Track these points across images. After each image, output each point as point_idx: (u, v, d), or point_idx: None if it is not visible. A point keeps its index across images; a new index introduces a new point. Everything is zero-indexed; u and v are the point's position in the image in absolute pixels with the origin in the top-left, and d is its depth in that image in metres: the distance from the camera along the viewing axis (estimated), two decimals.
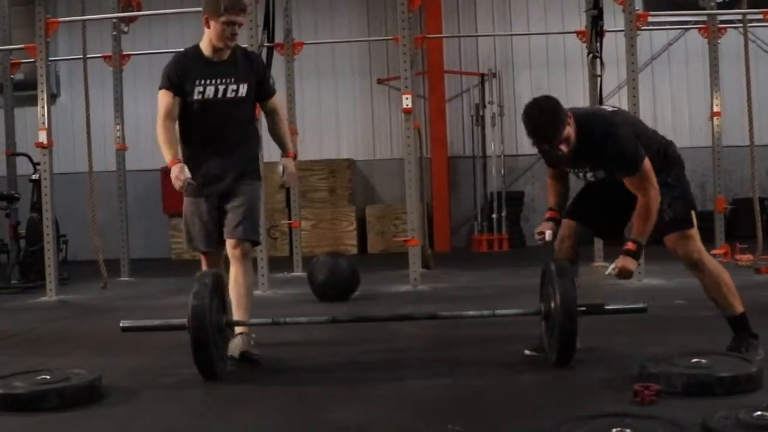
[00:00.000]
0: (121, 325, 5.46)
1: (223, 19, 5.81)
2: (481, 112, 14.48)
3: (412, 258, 9.40)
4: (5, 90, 12.42)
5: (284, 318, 5.79)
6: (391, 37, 11.53)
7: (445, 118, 14.76)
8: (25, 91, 13.10)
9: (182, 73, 5.90)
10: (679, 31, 14.06)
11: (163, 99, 5.91)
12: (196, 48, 6.02)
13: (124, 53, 11.87)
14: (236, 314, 5.82)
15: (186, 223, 6.15)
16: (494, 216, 14.26)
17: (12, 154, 12.11)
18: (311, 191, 13.25)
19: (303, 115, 11.67)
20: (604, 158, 5.23)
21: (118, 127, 11.71)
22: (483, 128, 14.52)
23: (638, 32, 9.40)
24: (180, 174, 5.77)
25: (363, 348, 6.12)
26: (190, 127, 5.98)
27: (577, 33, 11.76)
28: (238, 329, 5.83)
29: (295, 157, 6.18)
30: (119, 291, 10.24)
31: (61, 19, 10.38)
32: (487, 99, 14.48)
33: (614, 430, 3.69)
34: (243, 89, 5.91)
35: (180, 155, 5.88)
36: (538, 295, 5.62)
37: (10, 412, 4.61)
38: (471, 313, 5.86)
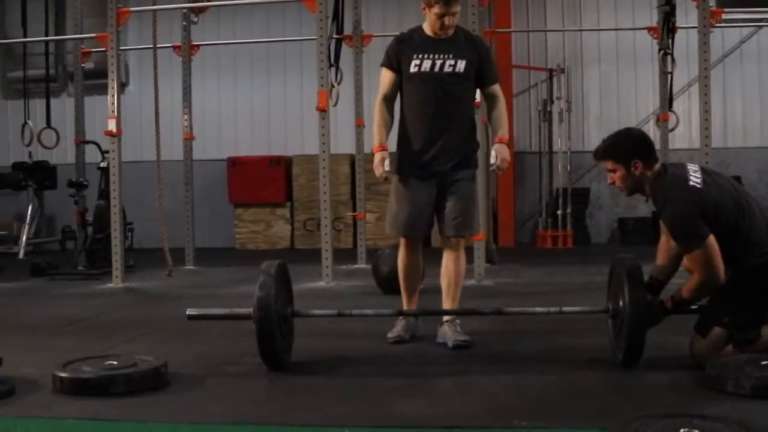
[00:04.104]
0: (187, 313, 5.50)
1: (435, 9, 5.90)
2: (548, 108, 14.37)
3: (477, 253, 9.36)
4: (76, 78, 12.60)
5: (350, 310, 5.79)
6: None
7: (512, 113, 14.67)
8: (94, 80, 13.28)
9: (401, 50, 6.04)
10: (753, 28, 13.84)
11: (382, 77, 6.11)
12: (419, 27, 6.12)
13: (193, 43, 11.96)
14: (444, 302, 6.06)
15: (393, 204, 6.15)
16: (559, 212, 14.15)
17: (81, 142, 12.25)
18: (376, 183, 13.16)
19: (370, 107, 11.62)
20: (666, 221, 5.13)
21: (185, 116, 11.80)
22: (550, 124, 14.42)
23: (711, 29, 9.26)
24: (379, 165, 5.90)
25: (427, 341, 6.10)
26: (407, 103, 6.08)
27: (648, 29, 11.60)
28: (445, 317, 6.04)
29: (509, 143, 6.16)
30: (184, 279, 10.32)
31: (132, 9, 10.49)
32: (554, 94, 14.36)
33: (682, 430, 3.65)
34: (461, 65, 5.96)
35: (385, 142, 6.00)
36: (603, 292, 5.58)
37: (78, 396, 4.68)
38: (538, 309, 5.83)
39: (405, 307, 6.16)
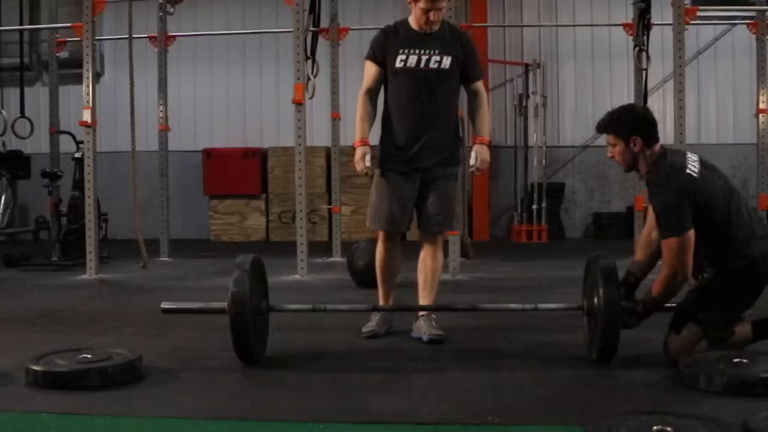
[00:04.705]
0: (162, 306, 5.50)
1: (420, 4, 5.91)
2: (524, 103, 14.40)
3: (452, 247, 9.38)
4: (50, 68, 12.49)
5: (325, 305, 5.79)
6: None
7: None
8: (69, 69, 13.19)
9: (387, 43, 6.02)
10: (726, 26, 13.90)
11: (366, 70, 6.10)
12: (405, 21, 6.09)
13: (169, 34, 11.92)
14: (420, 297, 6.06)
15: (374, 198, 6.15)
16: (534, 207, 14.18)
17: (56, 132, 12.17)
18: (352, 176, 13.19)
19: (346, 100, 11.64)
20: (653, 202, 5.16)
21: (161, 107, 11.76)
22: (525, 118, 14.44)
23: (686, 27, 9.31)
24: (360, 159, 5.91)
25: (403, 336, 6.11)
26: (392, 98, 6.06)
27: (624, 26, 11.65)
28: (420, 312, 6.04)
29: (489, 143, 6.14)
30: (158, 271, 10.29)
31: None
32: (530, 89, 14.39)
33: (655, 427, 3.66)
34: (446, 61, 5.96)
35: (367, 136, 5.99)
36: (577, 287, 5.60)
37: (51, 389, 4.66)
38: (513, 306, 5.83)
39: (381, 300, 6.17)
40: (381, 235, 6.15)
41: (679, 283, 5.06)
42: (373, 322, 6.13)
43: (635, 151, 5.18)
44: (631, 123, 5.23)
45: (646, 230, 5.47)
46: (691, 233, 4.96)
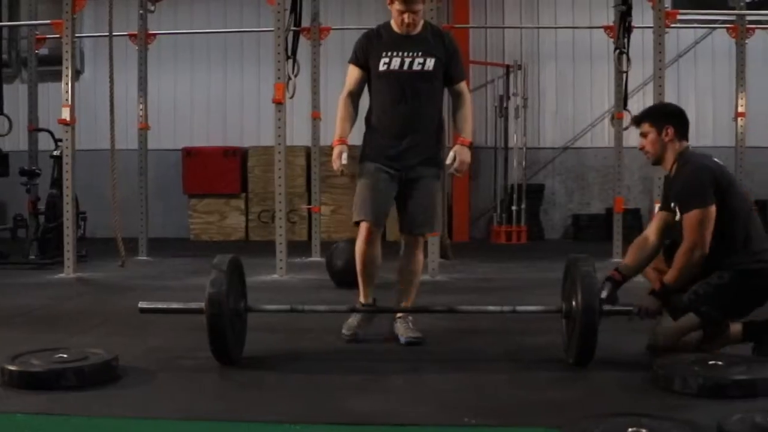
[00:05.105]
0: (139, 306, 5.47)
1: (396, 6, 5.92)
2: (504, 104, 14.41)
3: (431, 248, 9.38)
4: (29, 65, 12.42)
5: (303, 306, 5.78)
6: None
7: None
8: (49, 66, 13.12)
9: (369, 47, 6.03)
10: (706, 29, 13.96)
11: (349, 73, 6.10)
12: (387, 24, 6.09)
13: (150, 32, 11.88)
14: (399, 299, 6.09)
15: (358, 191, 6.07)
16: (514, 208, 14.20)
17: (34, 130, 12.11)
18: (331, 176, 13.16)
19: (327, 100, 11.63)
20: (676, 186, 5.30)
21: (141, 106, 11.72)
22: (506, 120, 14.46)
23: (666, 30, 9.34)
24: (337, 158, 5.90)
25: (380, 337, 6.11)
26: (376, 100, 6.07)
27: (605, 28, 11.70)
28: (397, 314, 6.05)
29: (470, 145, 6.09)
30: (137, 270, 10.25)
31: None
32: (511, 91, 14.41)
33: (630, 429, 3.67)
34: (430, 63, 5.95)
35: (345, 135, 6.00)
36: (556, 289, 5.61)
37: (27, 389, 4.64)
38: (491, 308, 5.82)
39: (362, 297, 6.10)
40: (364, 228, 6.01)
41: (696, 259, 5.13)
42: (354, 321, 6.10)
43: (665, 141, 5.40)
44: (667, 113, 5.60)
45: (644, 235, 5.57)
46: (713, 209, 5.11)
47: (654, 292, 5.26)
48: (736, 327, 5.29)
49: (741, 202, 5.28)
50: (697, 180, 5.19)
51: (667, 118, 5.45)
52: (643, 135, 5.48)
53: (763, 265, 5.16)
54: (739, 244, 5.18)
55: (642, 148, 5.52)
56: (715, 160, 5.42)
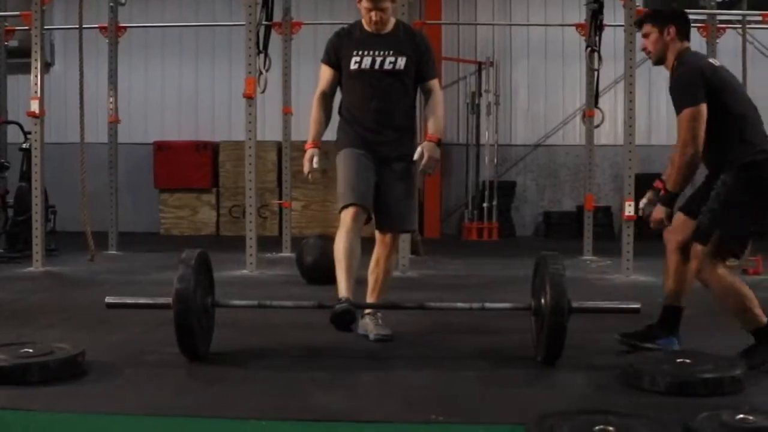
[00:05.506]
0: (106, 301, 5.44)
1: (363, 3, 5.93)
2: (476, 101, 14.44)
3: (402, 244, 9.36)
4: None
5: (270, 301, 5.74)
6: None
7: None
8: (18, 59, 13.01)
9: (340, 46, 6.02)
10: None
11: (321, 73, 6.08)
12: (359, 22, 6.08)
13: (121, 25, 11.79)
14: (369, 295, 6.06)
15: (341, 177, 5.96)
16: (485, 205, 14.23)
17: (3, 122, 12.03)
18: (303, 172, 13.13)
19: (299, 95, 11.62)
20: (671, 86, 5.40)
21: (111, 99, 11.64)
22: (478, 116, 14.48)
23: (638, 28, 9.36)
24: (308, 162, 5.90)
25: (349, 334, 6.07)
26: (348, 99, 6.05)
27: (577, 26, 11.74)
28: (366, 310, 6.00)
29: (439, 142, 5.96)
30: (106, 264, 10.19)
31: None
32: (483, 87, 14.43)
33: (597, 427, 3.68)
34: (401, 62, 5.93)
35: (318, 139, 5.98)
36: (527, 286, 5.60)
37: None
38: (460, 305, 5.80)
39: (344, 291, 5.64)
40: (349, 214, 5.79)
41: (689, 158, 5.20)
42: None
43: (667, 41, 5.46)
44: (669, 13, 5.72)
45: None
46: (703, 107, 5.18)
47: (660, 198, 5.36)
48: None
49: (738, 103, 5.31)
50: (688, 80, 5.27)
51: (670, 17, 5.53)
52: (645, 36, 5.55)
53: (766, 155, 5.20)
54: (736, 139, 5.22)
55: (644, 49, 5.62)
56: (711, 61, 5.52)
